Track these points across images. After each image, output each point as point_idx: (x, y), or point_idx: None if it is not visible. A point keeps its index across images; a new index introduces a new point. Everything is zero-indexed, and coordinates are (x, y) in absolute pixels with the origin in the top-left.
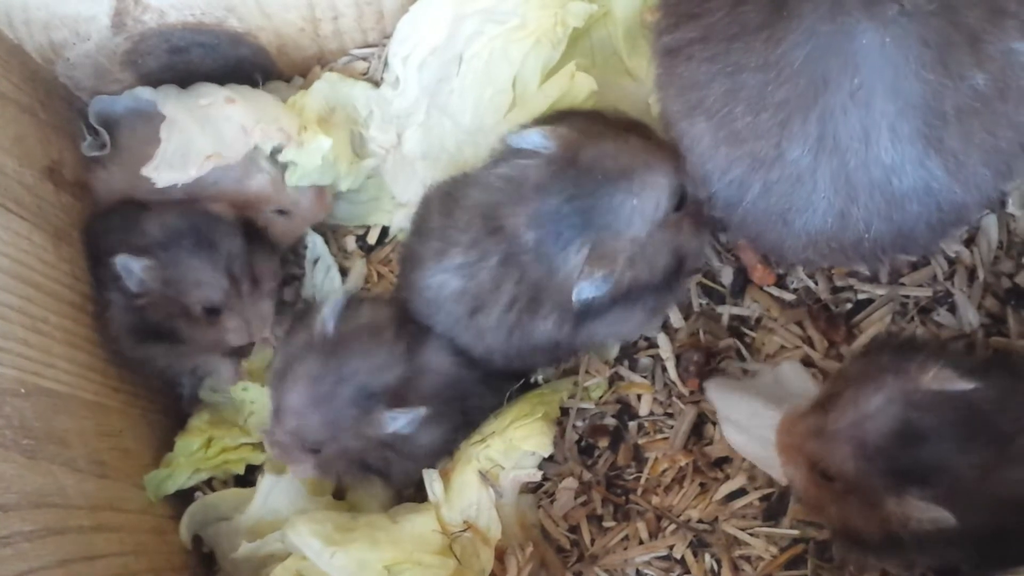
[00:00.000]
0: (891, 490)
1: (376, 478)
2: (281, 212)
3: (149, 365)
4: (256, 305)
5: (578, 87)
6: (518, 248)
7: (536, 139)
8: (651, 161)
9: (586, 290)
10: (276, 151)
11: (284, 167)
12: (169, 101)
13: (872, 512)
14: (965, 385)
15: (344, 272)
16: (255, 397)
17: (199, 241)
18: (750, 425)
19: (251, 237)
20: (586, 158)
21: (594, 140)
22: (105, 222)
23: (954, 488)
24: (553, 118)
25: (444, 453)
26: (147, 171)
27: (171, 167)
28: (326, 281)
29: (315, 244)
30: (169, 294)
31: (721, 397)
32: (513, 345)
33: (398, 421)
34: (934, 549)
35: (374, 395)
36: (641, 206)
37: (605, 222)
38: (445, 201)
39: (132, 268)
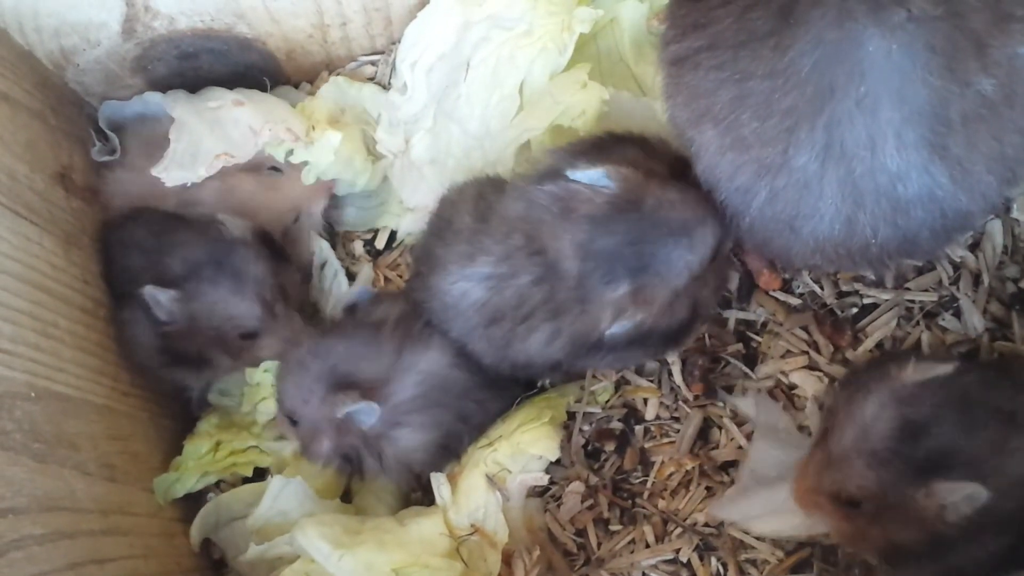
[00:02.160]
0: (917, 485)
1: (351, 470)
2: (275, 169)
3: (173, 383)
4: (290, 321)
5: (590, 96)
6: (556, 274)
7: (598, 178)
8: (706, 216)
9: (619, 328)
10: (290, 154)
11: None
12: (178, 104)
13: (910, 519)
14: (946, 368)
15: (352, 276)
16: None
17: (224, 272)
18: (772, 509)
19: (271, 252)
20: (650, 205)
21: (656, 186)
22: (125, 238)
23: (974, 467)
24: (604, 143)
25: (429, 461)
26: (156, 171)
27: (180, 167)
28: (334, 285)
29: (321, 249)
30: (198, 324)
31: (733, 511)
32: (517, 359)
33: (347, 407)
34: (980, 538)
35: (341, 379)
36: (692, 260)
37: (658, 270)
38: (478, 204)
39: (160, 299)
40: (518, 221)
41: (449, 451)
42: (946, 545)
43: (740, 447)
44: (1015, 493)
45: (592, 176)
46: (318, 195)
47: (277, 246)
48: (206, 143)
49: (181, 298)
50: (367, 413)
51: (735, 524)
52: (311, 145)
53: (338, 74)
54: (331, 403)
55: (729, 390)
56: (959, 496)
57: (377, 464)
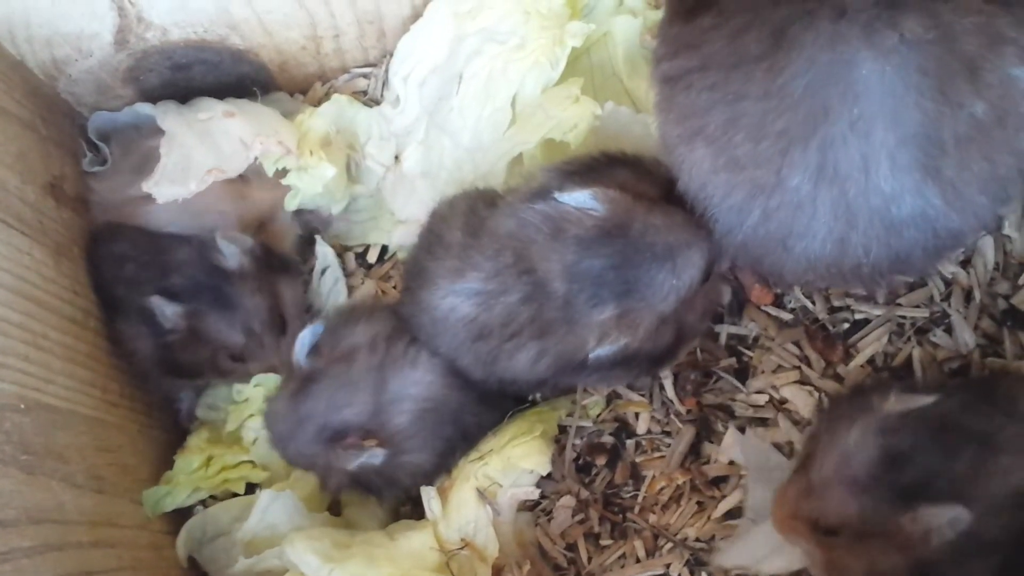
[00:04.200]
0: (900, 511)
1: (369, 496)
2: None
3: (165, 392)
4: (278, 347)
5: (582, 111)
6: (544, 294)
7: (586, 200)
8: (694, 241)
9: (603, 351)
10: (281, 172)
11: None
12: (168, 116)
13: (892, 546)
14: (926, 399)
15: (351, 288)
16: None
17: (218, 300)
18: (775, 547)
19: (272, 266)
20: (637, 230)
21: (643, 209)
22: (124, 248)
23: (957, 493)
24: (597, 163)
25: (438, 471)
26: (147, 186)
27: (172, 182)
28: (333, 292)
29: (325, 255)
30: (196, 338)
31: (738, 556)
32: (503, 375)
33: (355, 459)
34: (964, 564)
35: (337, 432)
36: (679, 286)
37: (643, 295)
38: (469, 219)
39: (166, 312)
40: (508, 239)
41: (449, 461)
42: (930, 572)
43: (731, 462)
44: (991, 516)
45: (579, 199)
46: (285, 199)
47: (281, 260)
48: (197, 157)
49: (184, 313)
50: (374, 457)
51: (745, 570)
52: (303, 172)
53: (332, 87)
54: (336, 459)
55: (721, 408)
56: (943, 520)
57: (399, 487)
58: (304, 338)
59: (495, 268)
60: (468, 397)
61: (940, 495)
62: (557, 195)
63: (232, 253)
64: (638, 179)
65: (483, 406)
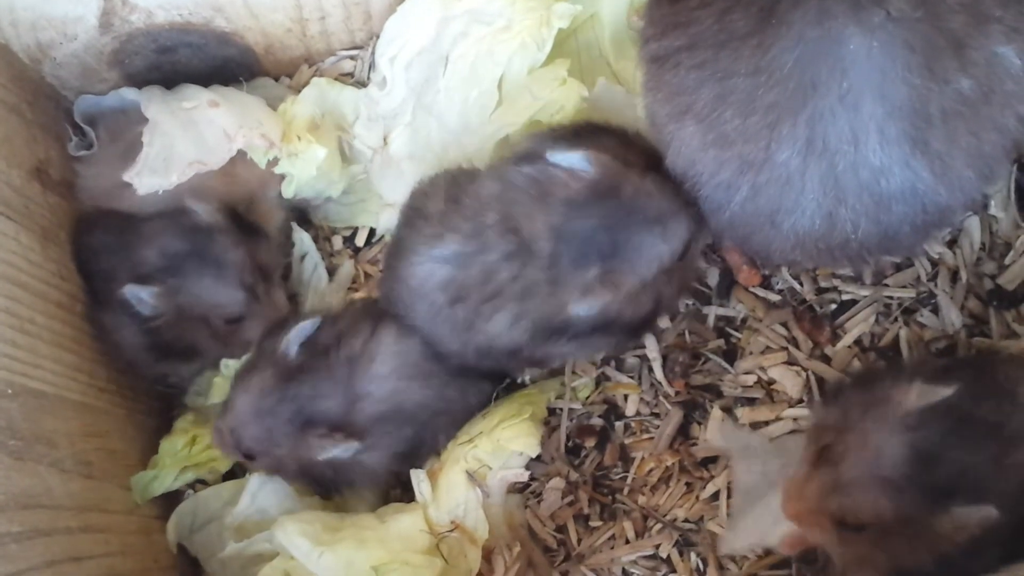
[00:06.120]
0: (933, 512)
1: (319, 489)
2: None
3: (167, 378)
4: (273, 300)
5: (568, 92)
6: (527, 253)
7: (578, 161)
8: (680, 211)
9: (583, 309)
10: (272, 162)
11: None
12: (153, 103)
13: (919, 542)
14: (946, 391)
15: (332, 271)
16: None
17: (206, 261)
18: (774, 519)
19: (244, 229)
20: (628, 193)
21: (634, 175)
22: (98, 240)
23: (980, 487)
24: (583, 131)
25: (392, 472)
26: (128, 177)
27: (153, 172)
28: (313, 277)
29: (302, 241)
30: (184, 314)
31: (741, 540)
32: (478, 341)
33: (328, 451)
34: (983, 553)
35: (312, 420)
36: (664, 250)
37: (629, 257)
38: (450, 189)
39: (141, 296)
40: (492, 200)
41: (416, 458)
42: (951, 564)
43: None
44: (1009, 505)
45: (572, 159)
46: (273, 180)
47: (246, 222)
48: (179, 147)
49: (163, 292)
50: (346, 451)
51: (753, 548)
52: (295, 157)
53: (318, 69)
54: (307, 447)
55: (709, 389)
56: (975, 519)
57: (353, 486)
58: (304, 328)
59: (474, 228)
60: (428, 395)
61: (966, 491)
62: (549, 155)
63: (205, 210)
64: (623, 147)
65: (447, 401)
